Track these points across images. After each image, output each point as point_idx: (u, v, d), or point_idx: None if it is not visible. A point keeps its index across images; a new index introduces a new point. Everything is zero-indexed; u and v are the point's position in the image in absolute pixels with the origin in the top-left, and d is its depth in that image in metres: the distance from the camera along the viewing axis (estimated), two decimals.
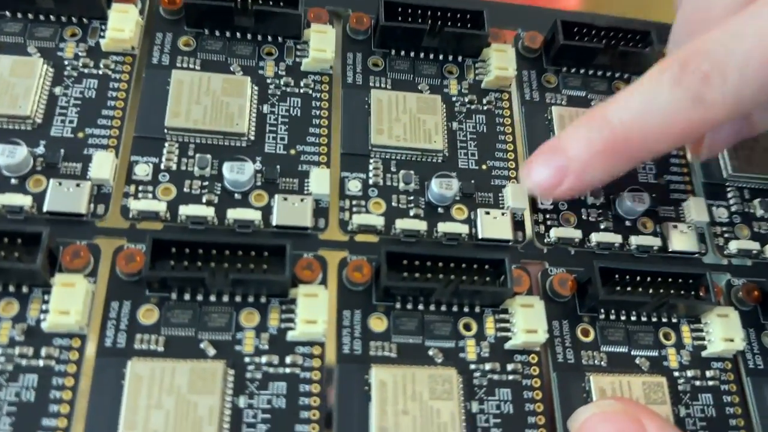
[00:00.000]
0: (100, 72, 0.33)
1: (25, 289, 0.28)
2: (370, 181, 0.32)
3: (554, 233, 0.32)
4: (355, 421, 0.27)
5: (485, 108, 0.35)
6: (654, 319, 0.32)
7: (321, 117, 0.33)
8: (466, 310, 0.30)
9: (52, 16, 0.33)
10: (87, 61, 0.33)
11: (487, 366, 0.29)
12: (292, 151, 0.32)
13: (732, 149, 0.36)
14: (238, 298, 0.29)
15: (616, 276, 0.31)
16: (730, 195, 0.35)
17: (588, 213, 0.33)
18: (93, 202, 0.30)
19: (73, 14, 0.33)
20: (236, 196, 0.31)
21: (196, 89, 0.32)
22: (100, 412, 0.26)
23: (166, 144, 0.31)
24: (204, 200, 0.30)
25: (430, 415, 0.28)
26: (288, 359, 0.28)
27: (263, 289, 0.29)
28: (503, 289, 0.29)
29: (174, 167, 0.31)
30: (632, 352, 0.31)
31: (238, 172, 0.30)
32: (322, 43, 0.34)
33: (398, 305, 0.30)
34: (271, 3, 0.33)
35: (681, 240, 0.33)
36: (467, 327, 0.30)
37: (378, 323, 0.30)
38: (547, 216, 0.33)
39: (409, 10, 0.35)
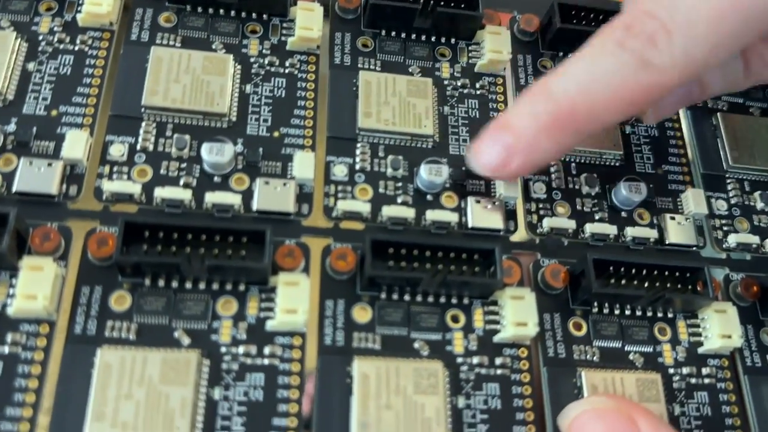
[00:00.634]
0: (76, 48, 0.31)
1: None
2: (357, 167, 0.31)
3: (547, 223, 0.31)
4: (335, 415, 0.26)
5: (478, 93, 0.34)
6: (649, 314, 0.30)
7: (306, 99, 0.32)
8: (454, 301, 0.29)
9: None
10: (63, 37, 0.31)
11: (475, 360, 0.28)
12: (276, 134, 0.31)
13: (732, 140, 0.35)
14: (215, 286, 0.27)
15: (611, 268, 0.29)
16: (729, 187, 0.34)
17: (582, 203, 0.32)
18: (65, 182, 0.28)
19: None
20: (215, 179, 0.30)
21: (175, 67, 0.31)
22: (67, 401, 0.25)
23: (143, 123, 0.30)
24: (181, 183, 0.29)
25: (413, 410, 0.26)
26: (266, 350, 0.27)
27: (241, 277, 0.27)
28: (493, 280, 0.28)
29: (151, 148, 0.30)
30: (626, 348, 0.30)
31: (218, 154, 0.29)
32: (308, 21, 0.32)
33: (383, 295, 0.29)
34: None
35: (678, 232, 0.32)
36: (455, 319, 0.29)
37: (362, 314, 0.28)
38: (540, 206, 0.32)
39: None
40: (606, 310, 0.30)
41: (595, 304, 0.30)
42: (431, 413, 0.27)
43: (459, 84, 0.34)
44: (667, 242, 0.32)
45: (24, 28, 0.31)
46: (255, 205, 0.29)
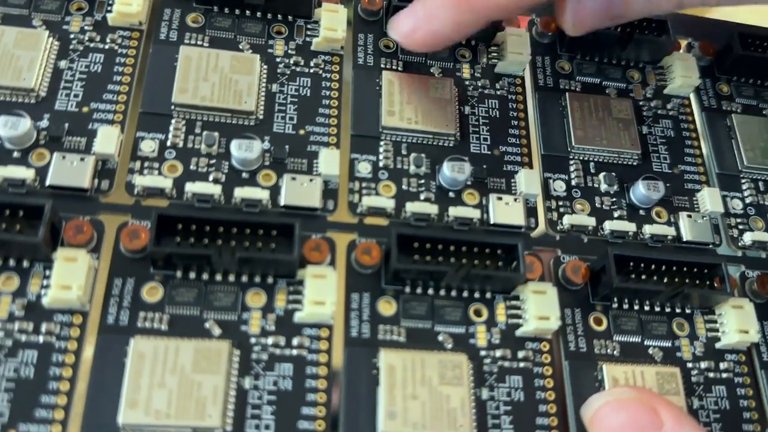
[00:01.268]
0: (107, 47, 0.32)
1: (26, 264, 0.27)
2: (380, 164, 0.32)
3: (567, 220, 0.32)
4: (362, 405, 0.27)
5: (498, 93, 0.35)
6: (667, 310, 0.31)
7: (331, 98, 0.33)
8: (476, 295, 0.30)
9: None
10: (93, 35, 0.32)
11: (498, 353, 0.29)
12: (301, 131, 0.32)
13: (747, 141, 0.35)
14: (244, 278, 0.28)
15: (631, 264, 0.30)
16: (744, 186, 0.35)
17: (602, 201, 0.33)
18: (97, 177, 0.29)
19: None
20: (244, 175, 0.30)
21: (204, 66, 0.31)
22: (101, 390, 0.25)
23: (173, 120, 0.31)
24: (211, 178, 0.30)
25: (439, 400, 0.27)
26: (295, 341, 0.27)
27: (270, 269, 0.28)
28: (515, 275, 0.29)
29: (180, 144, 0.30)
30: (645, 342, 0.30)
31: (246, 150, 0.30)
32: (333, 23, 0.33)
33: (407, 289, 0.29)
34: None
35: (695, 230, 0.33)
36: (478, 313, 0.29)
37: (387, 307, 0.29)
38: (560, 203, 0.32)
39: None
40: (626, 306, 0.31)
41: (615, 299, 0.31)
42: (456, 404, 0.27)
43: (479, 84, 0.35)
44: (684, 240, 0.32)
45: (56, 27, 0.32)
46: (282, 201, 0.30)
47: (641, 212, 0.33)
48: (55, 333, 0.26)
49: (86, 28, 0.32)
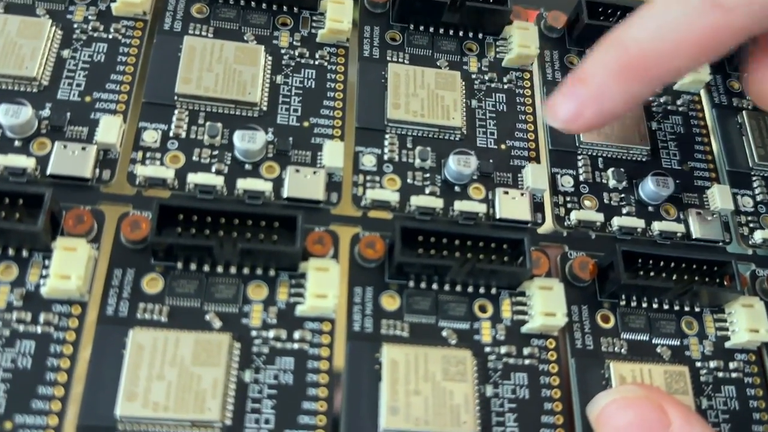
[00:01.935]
0: (110, 36, 0.32)
1: (24, 253, 0.27)
2: (385, 157, 0.31)
3: (575, 216, 0.31)
4: (364, 400, 0.26)
5: (506, 87, 0.34)
6: (676, 308, 0.30)
7: (336, 90, 0.32)
8: (481, 291, 0.29)
9: None
10: (97, 25, 0.32)
11: (503, 349, 0.28)
12: (305, 123, 0.31)
13: (758, 138, 0.35)
14: (245, 271, 0.28)
15: (639, 261, 0.29)
16: (755, 184, 0.34)
17: (610, 197, 0.32)
18: (98, 166, 0.29)
19: None
20: (247, 166, 0.30)
21: (208, 56, 0.31)
22: (99, 381, 0.25)
23: (176, 111, 0.30)
24: (213, 169, 0.29)
25: (442, 396, 0.26)
26: (296, 335, 0.27)
27: (272, 262, 0.28)
28: (522, 269, 0.28)
29: (183, 135, 0.30)
30: (653, 341, 0.30)
31: (250, 141, 0.29)
32: (338, 14, 0.33)
33: (411, 284, 0.29)
34: None
35: (704, 228, 0.32)
36: (482, 309, 0.29)
37: (390, 301, 0.29)
38: (567, 198, 0.32)
39: None
40: (634, 303, 0.30)
41: (623, 296, 0.30)
42: (460, 400, 0.27)
43: (487, 78, 0.34)
44: (693, 237, 0.32)
45: (59, 16, 0.31)
46: (285, 193, 0.29)
47: (650, 209, 0.32)
48: (53, 323, 0.26)
49: (90, 17, 0.32)
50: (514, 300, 0.29)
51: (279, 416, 0.26)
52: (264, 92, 0.31)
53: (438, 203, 0.30)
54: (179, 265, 0.27)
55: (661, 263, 0.30)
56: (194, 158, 0.30)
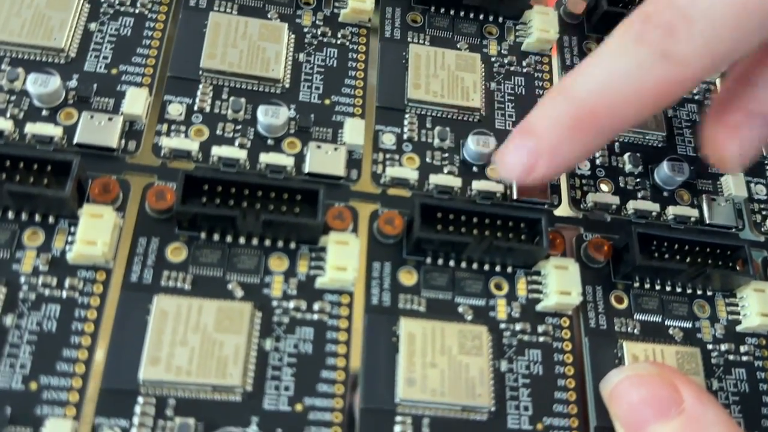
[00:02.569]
0: (137, 11, 0.32)
1: (51, 220, 0.27)
2: (405, 136, 0.32)
3: (590, 198, 0.32)
4: (381, 372, 0.27)
5: (525, 71, 0.34)
6: (689, 291, 0.31)
7: (357, 69, 0.33)
8: (497, 269, 0.30)
9: None
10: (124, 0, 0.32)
11: (518, 326, 0.29)
12: (327, 101, 0.32)
13: None
14: (267, 243, 0.28)
15: (654, 243, 0.30)
16: None
17: (626, 181, 0.33)
18: (124, 137, 0.29)
19: None
20: (269, 141, 0.30)
21: (233, 32, 0.31)
22: (122, 345, 0.26)
23: (201, 85, 0.31)
24: (237, 144, 0.30)
25: (458, 369, 0.27)
26: (316, 306, 0.27)
27: (294, 234, 0.28)
28: (538, 248, 0.28)
29: (207, 109, 0.30)
30: (666, 322, 0.30)
31: (273, 116, 0.30)
32: None
33: (429, 260, 0.29)
34: None
35: (718, 213, 0.33)
36: (498, 287, 0.29)
37: (408, 277, 0.29)
38: (584, 182, 0.32)
39: None
40: (647, 285, 0.30)
41: (637, 278, 0.30)
42: (475, 373, 0.27)
43: (506, 61, 0.34)
44: (707, 222, 0.32)
45: None
46: (307, 168, 0.30)
47: (665, 193, 0.33)
48: (78, 288, 0.26)
49: None
50: (530, 279, 0.30)
51: (298, 384, 0.26)
52: (287, 69, 0.32)
53: (456, 182, 0.31)
54: (203, 235, 0.28)
55: (676, 246, 0.30)
56: (218, 132, 0.30)
